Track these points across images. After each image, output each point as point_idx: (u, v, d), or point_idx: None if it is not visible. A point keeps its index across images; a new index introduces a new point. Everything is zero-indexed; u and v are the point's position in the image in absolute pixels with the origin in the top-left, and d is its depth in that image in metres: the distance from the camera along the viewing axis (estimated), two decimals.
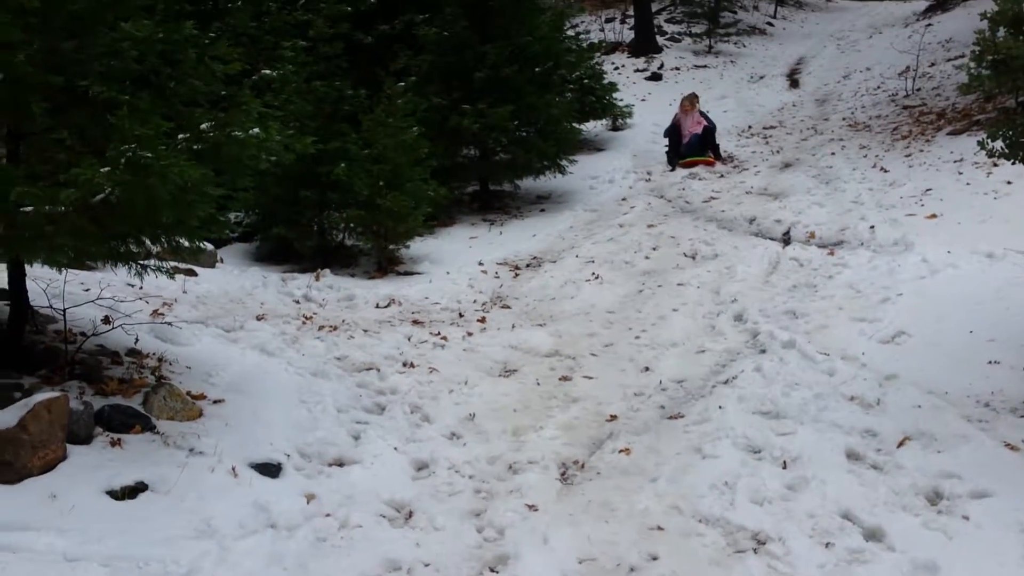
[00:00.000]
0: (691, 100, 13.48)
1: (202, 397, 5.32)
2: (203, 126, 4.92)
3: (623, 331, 7.53)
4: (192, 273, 8.01)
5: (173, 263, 7.92)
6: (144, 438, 4.78)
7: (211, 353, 6.01)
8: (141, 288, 7.10)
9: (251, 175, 9.08)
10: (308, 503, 4.57)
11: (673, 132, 13.35)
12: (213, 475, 4.57)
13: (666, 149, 13.46)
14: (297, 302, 7.90)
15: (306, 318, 7.37)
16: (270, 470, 4.77)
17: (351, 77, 10.13)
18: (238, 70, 5.43)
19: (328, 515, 4.49)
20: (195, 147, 4.90)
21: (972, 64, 6.47)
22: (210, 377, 5.63)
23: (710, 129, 13.22)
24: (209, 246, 8.76)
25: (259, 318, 7.10)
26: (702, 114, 13.48)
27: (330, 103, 9.55)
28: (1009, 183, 9.44)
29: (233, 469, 4.64)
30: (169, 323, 6.20)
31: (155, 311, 6.58)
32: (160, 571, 3.82)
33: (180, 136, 4.89)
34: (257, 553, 4.09)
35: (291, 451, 5.01)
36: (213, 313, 7.01)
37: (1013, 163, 5.81)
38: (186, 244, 5.12)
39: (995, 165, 10.04)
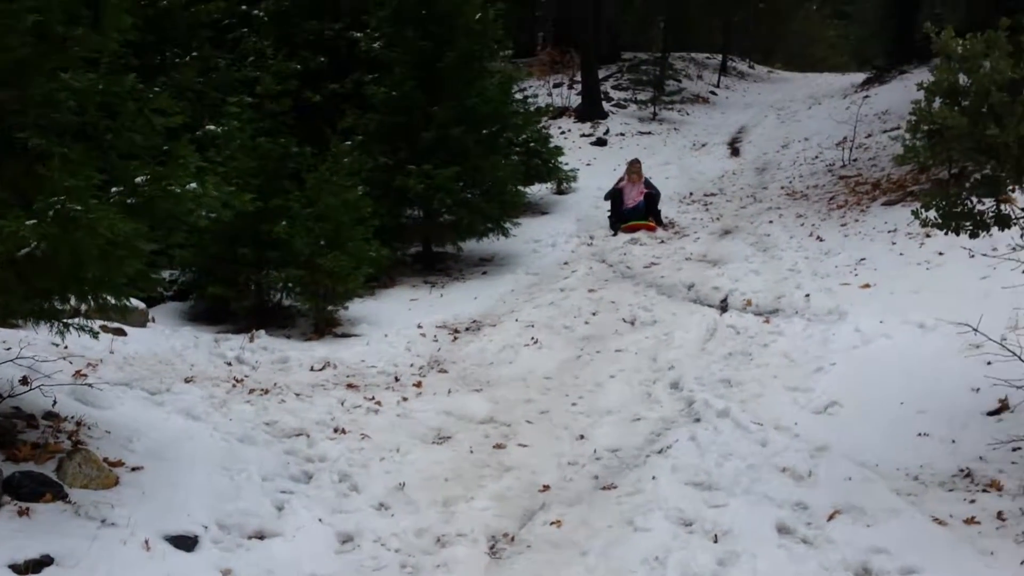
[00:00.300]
0: (638, 172, 13.64)
1: (120, 464, 5.13)
2: (138, 180, 4.83)
3: (560, 398, 7.48)
4: (121, 332, 7.81)
5: (101, 322, 7.75)
6: (55, 507, 4.58)
7: (133, 417, 5.82)
8: (65, 348, 6.90)
9: (188, 232, 9.04)
10: None
11: (615, 197, 13.49)
12: (125, 548, 4.39)
13: (608, 214, 13.58)
14: (229, 364, 7.74)
15: (237, 381, 7.20)
16: (186, 543, 4.59)
17: (297, 135, 10.09)
18: (179, 123, 5.37)
19: None
20: (128, 201, 4.81)
21: (907, 135, 6.63)
22: (130, 443, 5.44)
23: (653, 196, 13.40)
24: (140, 304, 8.56)
25: (188, 380, 6.92)
26: (646, 182, 13.66)
27: (274, 160, 9.49)
28: (941, 254, 9.63)
29: (146, 542, 4.46)
30: (90, 385, 6.00)
31: (78, 372, 6.39)
32: None
33: (113, 189, 4.80)
34: None
35: (209, 522, 4.83)
36: (140, 375, 6.82)
37: (946, 233, 5.93)
38: (113, 301, 4.98)
39: (928, 236, 10.28)
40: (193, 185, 5.09)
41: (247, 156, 9.33)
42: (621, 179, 13.85)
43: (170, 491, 5.01)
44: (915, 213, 6.12)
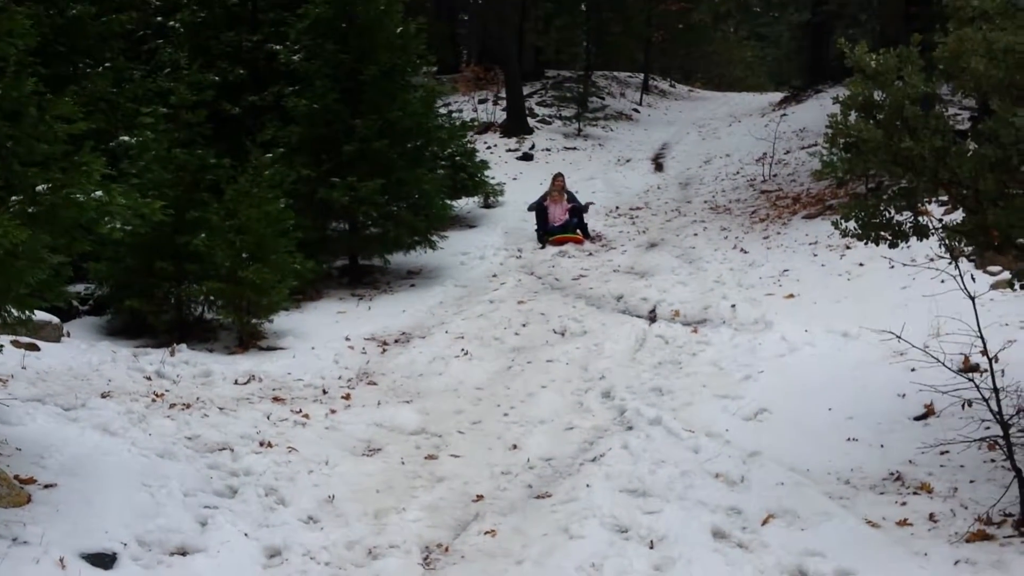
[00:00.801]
0: (560, 189, 13.70)
1: (31, 481, 4.88)
2: (39, 188, 4.61)
3: (491, 408, 7.39)
4: (34, 347, 7.48)
5: (12, 337, 7.42)
6: None
7: (45, 433, 5.54)
8: None
9: (102, 244, 8.72)
10: None
11: (541, 213, 13.50)
12: (38, 566, 4.16)
13: (535, 228, 13.58)
14: (148, 379, 7.45)
15: (157, 395, 6.94)
16: (103, 561, 4.38)
17: (216, 147, 9.83)
18: (83, 130, 5.15)
19: None
20: (29, 210, 4.58)
21: (824, 149, 6.75)
22: (42, 459, 5.18)
23: (578, 209, 13.47)
24: (53, 319, 8.23)
25: (104, 395, 6.64)
26: (569, 196, 13.71)
27: (191, 172, 9.21)
28: (861, 264, 9.86)
29: (61, 560, 4.23)
30: None
31: None
32: None
33: (13, 198, 4.57)
34: None
35: (128, 539, 4.61)
36: (53, 390, 6.52)
37: (866, 243, 6.03)
38: (15, 313, 4.73)
39: (848, 248, 10.51)
40: (98, 193, 4.88)
41: (162, 167, 9.05)
42: (546, 193, 13.87)
43: (86, 508, 4.77)
44: (835, 224, 6.21)
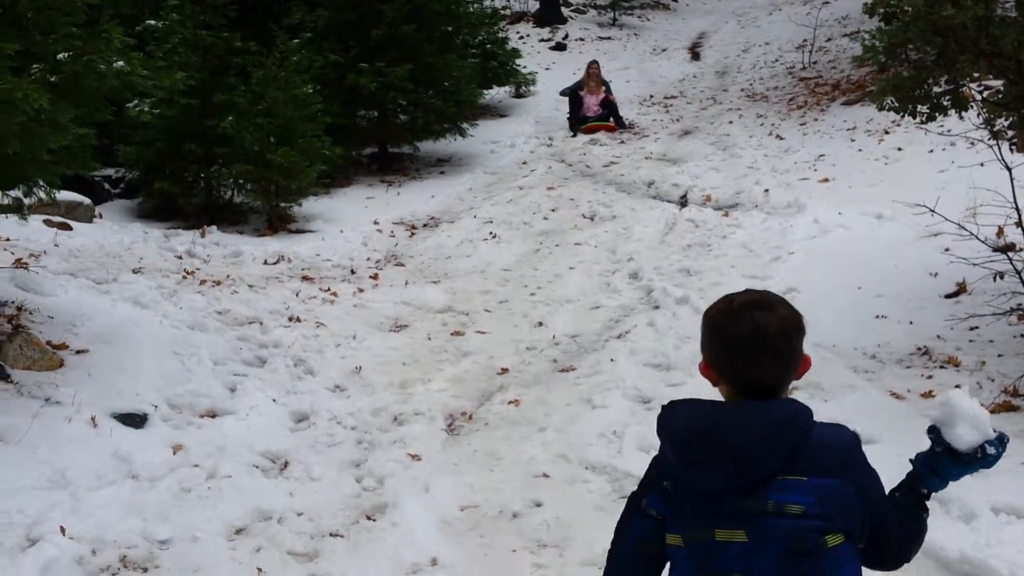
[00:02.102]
0: (596, 78, 13.44)
1: (64, 347, 4.98)
2: (60, 56, 4.56)
3: (518, 288, 7.40)
4: (66, 227, 7.57)
5: (45, 216, 7.51)
6: None
7: (77, 304, 5.64)
8: (7, 240, 6.69)
9: (131, 127, 8.72)
10: (174, 454, 4.31)
11: (574, 100, 13.29)
12: (70, 425, 4.28)
13: (567, 115, 13.39)
14: (179, 257, 7.52)
15: (187, 273, 7.02)
16: (134, 420, 4.49)
17: (243, 32, 9.69)
18: (102, 1, 5.07)
19: (196, 466, 4.24)
20: (51, 79, 4.55)
21: (867, 34, 6.54)
22: (74, 328, 5.28)
23: (613, 104, 13.25)
24: (85, 200, 8.32)
25: (136, 271, 6.72)
26: (606, 86, 13.47)
27: (217, 55, 9.12)
28: (900, 149, 9.62)
29: (93, 419, 4.35)
30: (27, 267, 5.79)
31: (18, 260, 6.16)
32: (3, 522, 3.53)
33: (35, 66, 4.54)
34: (114, 504, 3.83)
35: (159, 402, 4.73)
36: (85, 266, 6.60)
37: (902, 116, 5.87)
38: (42, 184, 4.75)
39: (887, 133, 10.26)
40: (120, 63, 4.83)
41: (189, 51, 8.96)
42: (581, 80, 13.62)
43: (117, 373, 4.88)
44: (872, 98, 6.04)
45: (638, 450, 4.66)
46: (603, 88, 13.44)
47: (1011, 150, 8.26)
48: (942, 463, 1.86)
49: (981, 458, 1.83)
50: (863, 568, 1.82)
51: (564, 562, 3.80)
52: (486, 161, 11.94)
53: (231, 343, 5.75)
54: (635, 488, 1.96)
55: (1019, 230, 5.30)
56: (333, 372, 5.59)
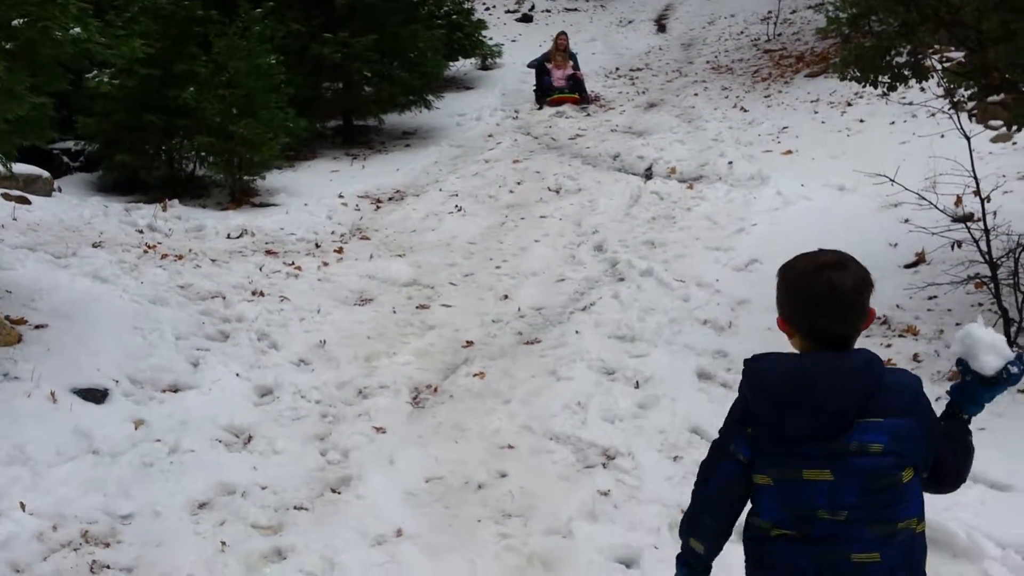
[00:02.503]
0: (563, 50, 13.36)
1: (22, 322, 4.92)
2: (15, 22, 4.47)
3: (484, 261, 7.40)
4: (24, 201, 7.43)
5: (2, 190, 7.37)
6: None
7: (35, 279, 5.56)
8: None
9: (91, 98, 8.55)
10: (136, 429, 4.29)
11: (540, 70, 13.23)
12: (29, 400, 4.24)
13: (534, 88, 13.34)
14: (140, 232, 7.43)
15: (149, 247, 6.94)
16: (95, 396, 4.45)
17: (203, 1, 9.52)
18: None
19: (158, 440, 4.22)
20: (6, 46, 4.46)
21: (830, 6, 6.56)
22: (33, 302, 5.21)
23: (580, 81, 13.20)
24: (44, 173, 8.17)
25: (96, 245, 6.64)
26: (573, 59, 13.40)
27: (178, 23, 8.96)
28: (862, 121, 9.70)
29: (52, 394, 4.31)
30: None
31: None
32: None
33: None
34: (74, 479, 3.81)
35: (120, 377, 4.69)
36: (44, 240, 6.50)
37: (864, 86, 5.91)
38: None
39: (849, 105, 10.34)
40: (76, 30, 4.74)
41: (149, 19, 8.79)
42: (548, 52, 13.55)
43: (77, 347, 4.83)
44: (835, 68, 6.07)
45: (602, 420, 4.71)
46: (570, 62, 13.36)
47: (971, 120, 8.38)
48: (975, 390, 2.09)
49: (1007, 378, 2.05)
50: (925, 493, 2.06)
51: (529, 531, 3.82)
52: (452, 134, 11.88)
53: (194, 317, 5.70)
54: (720, 434, 2.16)
55: (977, 199, 5.37)
56: (297, 346, 5.57)
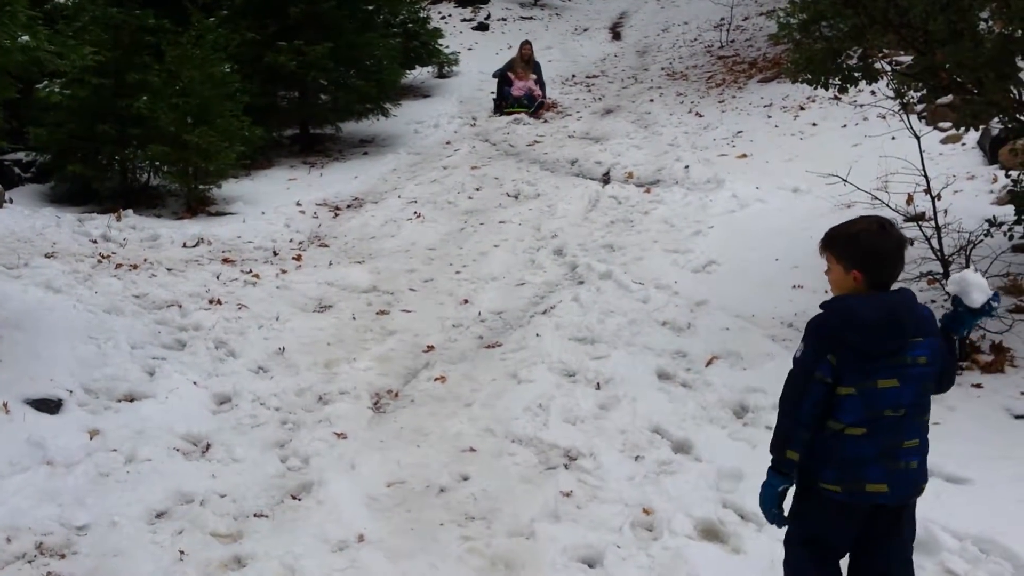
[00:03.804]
0: (527, 61, 13.32)
1: None
2: None
3: (444, 267, 7.39)
4: None
5: None
6: None
7: None
8: None
9: (42, 109, 8.41)
10: (91, 439, 4.22)
11: (503, 80, 13.21)
12: None
13: (493, 95, 13.35)
14: (94, 242, 7.32)
15: (103, 257, 6.84)
16: (48, 406, 4.38)
17: (155, 9, 9.41)
18: None
19: (114, 450, 4.16)
20: None
21: (781, 12, 6.66)
22: None
23: (536, 99, 13.00)
24: None
25: (48, 256, 6.54)
26: (536, 70, 13.40)
27: (130, 32, 8.84)
28: (814, 125, 9.86)
29: (4, 405, 4.23)
30: None
31: None
32: None
33: None
34: (28, 490, 3.74)
35: (74, 387, 4.61)
36: None
37: (815, 88, 6.00)
38: None
39: (801, 109, 10.50)
40: (25, 38, 4.67)
41: (100, 29, 8.67)
42: (512, 60, 13.53)
43: (30, 358, 4.74)
44: (786, 71, 6.16)
45: (564, 422, 4.72)
46: (532, 75, 13.29)
47: (920, 121, 8.54)
48: (964, 318, 2.79)
49: (988, 310, 2.77)
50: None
51: (492, 533, 3.81)
52: (410, 141, 11.86)
53: (149, 327, 5.63)
54: (799, 370, 2.75)
55: (928, 198, 5.47)
56: (256, 354, 5.51)
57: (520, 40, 14.68)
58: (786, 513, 2.87)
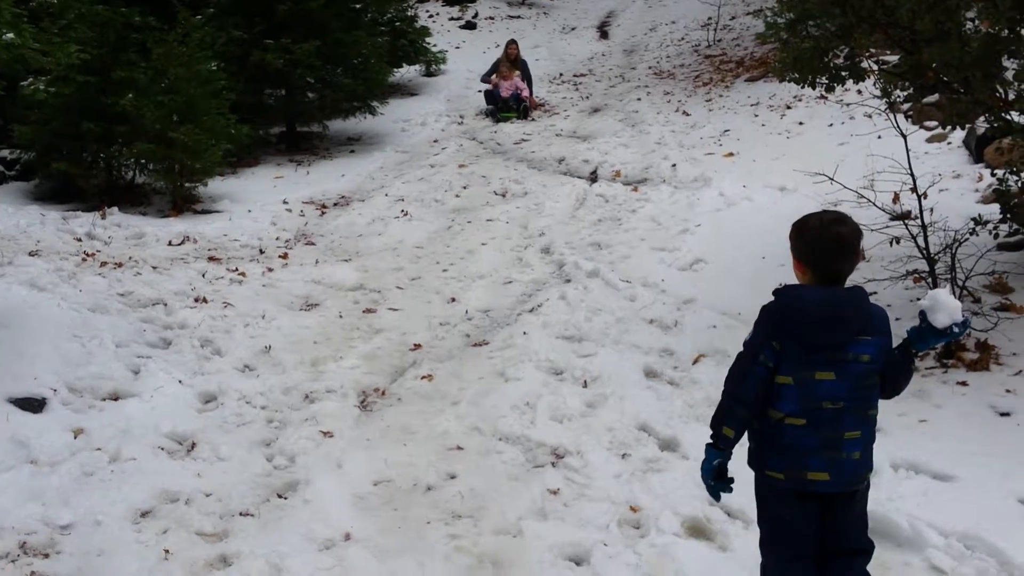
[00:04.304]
0: (513, 61, 13.17)
1: None
2: None
3: (431, 265, 7.37)
4: None
5: None
6: None
7: None
8: None
9: (27, 107, 8.35)
10: (75, 438, 4.19)
11: (489, 92, 12.88)
12: None
13: (482, 110, 13.00)
14: (79, 240, 7.29)
15: (87, 255, 6.80)
16: (32, 405, 4.35)
17: (141, 7, 9.36)
18: None
19: (98, 449, 4.13)
20: None
21: (768, 12, 6.68)
22: None
23: (522, 101, 12.70)
24: None
25: (32, 254, 6.50)
26: (523, 70, 13.22)
27: (116, 30, 8.79)
28: (801, 124, 9.88)
29: None
30: None
31: None
32: None
33: None
34: (12, 490, 3.72)
35: (58, 385, 4.58)
36: None
37: (802, 87, 6.01)
38: None
39: (788, 108, 10.52)
40: (10, 36, 4.64)
41: (85, 27, 8.61)
42: (498, 61, 13.41)
43: (13, 357, 4.71)
44: (774, 69, 6.17)
45: (551, 420, 4.71)
46: (516, 73, 13.01)
47: (907, 120, 8.57)
48: (926, 335, 2.78)
49: (949, 333, 2.76)
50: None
51: (479, 531, 3.81)
52: (397, 139, 11.84)
53: (134, 325, 5.60)
54: (745, 352, 2.84)
55: (914, 196, 5.49)
56: (242, 352, 5.49)
57: (507, 39, 14.63)
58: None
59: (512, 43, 13.83)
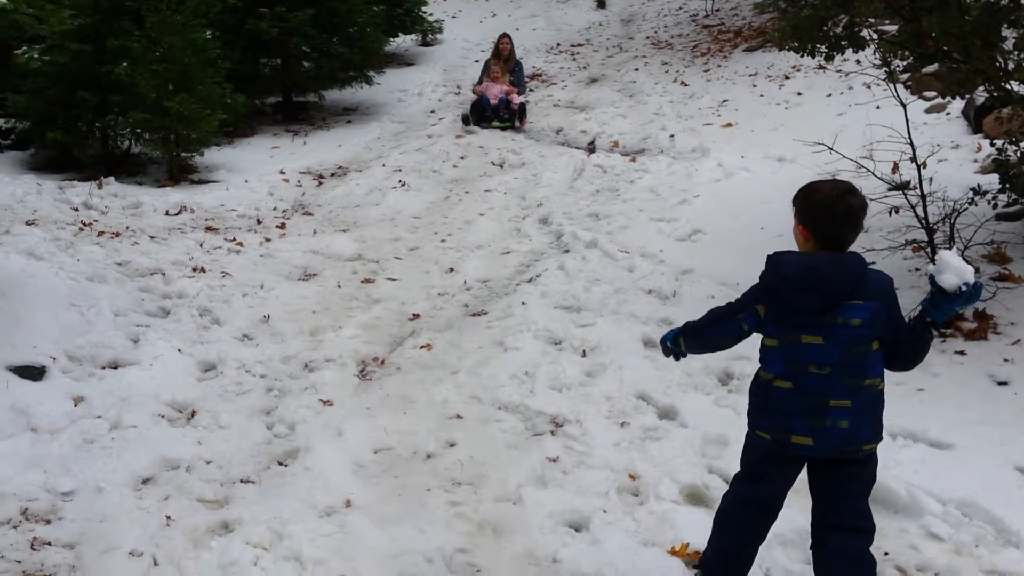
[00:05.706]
0: (504, 62, 11.56)
1: None
2: None
3: (429, 235, 7.36)
4: None
5: None
6: None
7: None
8: None
9: (21, 75, 8.29)
10: (75, 406, 4.20)
11: (477, 102, 10.88)
12: None
13: (461, 118, 10.89)
14: (76, 209, 7.25)
15: (84, 224, 6.78)
16: (32, 373, 4.35)
17: None
18: None
19: (98, 417, 4.14)
20: None
21: None
22: None
23: (513, 110, 10.69)
24: None
25: (29, 223, 6.47)
26: (515, 72, 11.45)
27: None
28: (799, 94, 9.84)
29: None
30: None
31: None
32: None
33: None
34: (12, 457, 3.73)
35: (58, 354, 4.59)
36: None
37: (802, 56, 5.98)
38: None
39: (787, 78, 10.47)
40: (3, 1, 4.60)
41: None
42: (487, 63, 11.68)
43: (12, 326, 4.70)
44: (773, 38, 6.13)
45: (550, 389, 4.72)
46: (508, 77, 11.22)
47: (906, 90, 8.54)
48: (937, 300, 2.73)
49: (961, 295, 2.70)
50: (887, 370, 2.85)
51: (479, 499, 3.83)
52: (394, 110, 11.78)
53: (132, 294, 5.59)
54: (732, 304, 2.98)
55: (913, 166, 5.48)
56: (241, 321, 5.49)
57: (501, 19, 14.43)
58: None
59: (504, 37, 11.91)
